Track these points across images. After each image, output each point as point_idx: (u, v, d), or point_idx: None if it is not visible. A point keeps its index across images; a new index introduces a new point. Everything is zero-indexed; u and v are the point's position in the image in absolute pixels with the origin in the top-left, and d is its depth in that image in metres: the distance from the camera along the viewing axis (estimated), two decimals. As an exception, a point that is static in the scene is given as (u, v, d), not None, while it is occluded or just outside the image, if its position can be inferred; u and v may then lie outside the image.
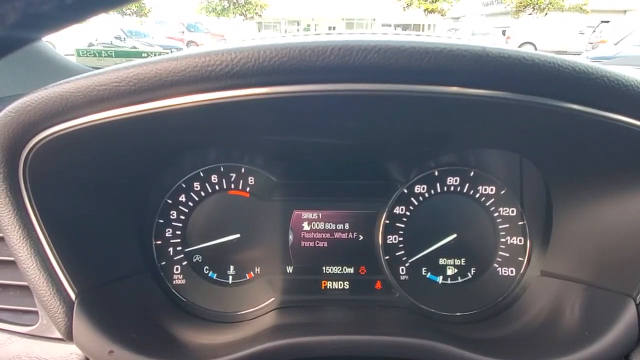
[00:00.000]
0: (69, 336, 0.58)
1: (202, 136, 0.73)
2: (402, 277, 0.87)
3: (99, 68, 0.62)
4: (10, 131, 0.54)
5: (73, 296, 0.59)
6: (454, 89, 0.52)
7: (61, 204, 0.62)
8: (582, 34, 16.28)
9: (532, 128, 0.67)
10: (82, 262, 0.62)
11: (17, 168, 0.57)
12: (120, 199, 0.74)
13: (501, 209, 0.86)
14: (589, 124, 0.57)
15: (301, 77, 0.48)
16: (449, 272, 0.88)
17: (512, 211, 0.86)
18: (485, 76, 0.51)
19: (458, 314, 0.84)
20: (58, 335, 0.62)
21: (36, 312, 0.65)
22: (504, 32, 19.21)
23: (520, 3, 27.13)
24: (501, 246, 0.86)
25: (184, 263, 0.86)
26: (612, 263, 0.66)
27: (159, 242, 0.84)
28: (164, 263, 0.84)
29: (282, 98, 0.52)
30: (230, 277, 0.87)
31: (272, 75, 0.48)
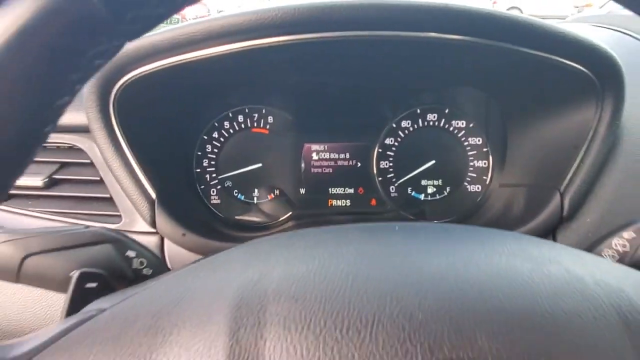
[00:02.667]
0: (152, 224, 0.80)
1: (240, 77, 0.93)
2: (392, 195, 1.09)
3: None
4: (105, 72, 0.74)
5: (154, 196, 0.80)
6: (432, 34, 0.73)
7: (139, 131, 0.82)
8: (568, -3, 16.34)
9: (491, 66, 0.88)
10: (156, 173, 0.83)
11: (109, 102, 0.77)
12: (175, 132, 0.94)
13: (470, 139, 1.08)
14: (530, 62, 0.78)
15: (321, 27, 0.69)
16: (430, 190, 1.10)
17: (479, 140, 1.08)
18: (454, 23, 0.72)
19: (436, 221, 1.07)
20: (138, 229, 0.83)
21: (119, 215, 0.86)
22: (490, -3, 19.17)
23: (507, -34, 26.89)
24: (470, 168, 1.08)
25: (218, 187, 1.07)
26: (547, 167, 0.89)
27: (198, 170, 1.06)
28: (203, 187, 1.06)
29: (304, 42, 0.73)
30: (255, 198, 1.09)
31: (302, 25, 0.69)
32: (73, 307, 0.46)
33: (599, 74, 0.77)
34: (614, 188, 0.80)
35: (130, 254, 0.56)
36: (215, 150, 1.06)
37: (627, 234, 0.60)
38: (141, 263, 0.57)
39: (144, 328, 0.36)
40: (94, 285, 0.50)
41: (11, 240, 0.51)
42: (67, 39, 0.30)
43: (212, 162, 1.07)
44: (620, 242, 0.60)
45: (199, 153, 1.05)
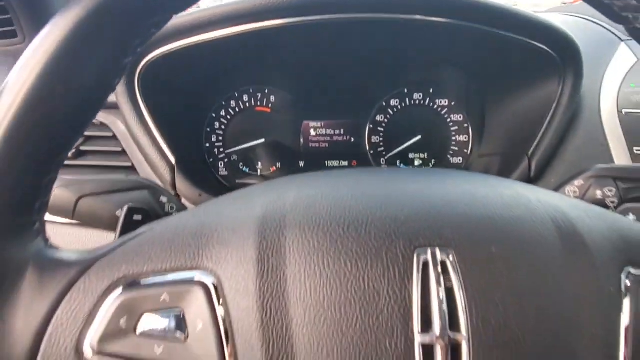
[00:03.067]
0: (172, 187, 0.91)
1: (246, 59, 1.04)
2: (383, 167, 1.21)
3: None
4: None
5: (174, 161, 0.91)
6: (417, 16, 0.85)
7: (160, 105, 0.93)
8: (556, -7, 16.60)
9: (470, 47, 1.00)
10: (175, 142, 0.94)
11: (134, 78, 0.88)
12: (189, 109, 1.05)
13: (452, 116, 1.19)
14: (503, 43, 0.90)
15: (320, 10, 0.81)
16: (416, 163, 1.21)
17: (460, 117, 1.19)
18: (437, 6, 0.84)
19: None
20: (158, 193, 0.94)
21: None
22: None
23: (496, -38, 27.08)
24: (452, 143, 1.20)
25: (226, 160, 1.18)
26: (518, 136, 1.01)
27: (207, 145, 1.17)
28: (212, 160, 1.17)
29: (304, 24, 0.84)
30: (259, 171, 1.20)
31: (301, 9, 0.80)
32: (124, 233, 0.57)
33: (560, 52, 0.90)
34: (575, 151, 0.92)
35: (163, 199, 0.67)
36: (223, 127, 1.17)
37: (578, 182, 0.72)
38: (172, 208, 0.68)
39: (191, 233, 0.47)
40: (140, 217, 0.61)
41: (68, 185, 0.62)
42: (134, 11, 0.41)
43: (220, 138, 1.17)
44: (572, 189, 0.72)
45: (208, 129, 1.16)
